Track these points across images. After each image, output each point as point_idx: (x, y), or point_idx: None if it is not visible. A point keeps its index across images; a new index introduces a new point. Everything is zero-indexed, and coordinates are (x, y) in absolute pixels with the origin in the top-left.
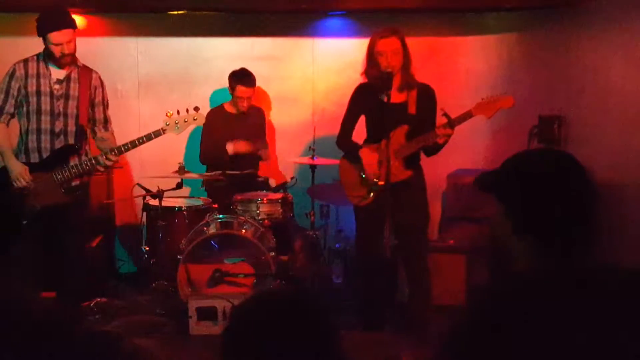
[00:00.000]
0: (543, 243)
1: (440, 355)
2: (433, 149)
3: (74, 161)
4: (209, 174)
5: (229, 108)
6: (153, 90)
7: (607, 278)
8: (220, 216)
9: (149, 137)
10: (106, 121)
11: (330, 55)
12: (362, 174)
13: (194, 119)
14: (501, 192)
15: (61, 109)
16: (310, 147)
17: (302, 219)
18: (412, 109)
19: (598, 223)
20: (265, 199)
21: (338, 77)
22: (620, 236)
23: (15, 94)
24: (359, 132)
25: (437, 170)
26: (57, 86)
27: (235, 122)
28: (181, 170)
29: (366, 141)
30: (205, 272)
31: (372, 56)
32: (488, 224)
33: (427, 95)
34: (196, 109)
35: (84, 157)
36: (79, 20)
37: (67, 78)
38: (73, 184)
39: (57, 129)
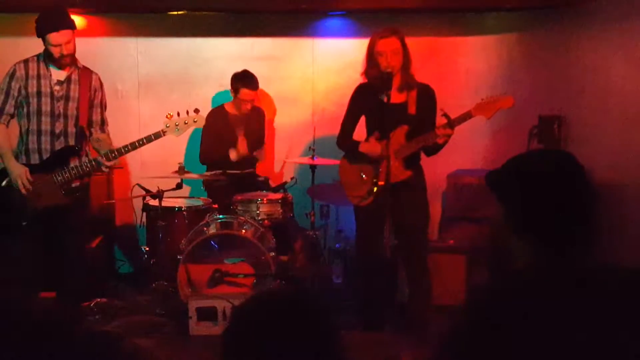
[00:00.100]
0: (543, 243)
1: (440, 355)
2: (433, 149)
3: (74, 162)
4: (208, 173)
5: (230, 108)
6: (153, 90)
7: (607, 278)
8: (220, 216)
9: (148, 139)
10: (103, 123)
11: (330, 55)
12: (362, 174)
13: (194, 121)
14: (502, 192)
15: (61, 110)
16: (310, 147)
17: (302, 219)
18: (412, 109)
19: (598, 223)
20: (265, 199)
21: (338, 77)
22: (620, 236)
23: (16, 94)
24: (359, 133)
25: (437, 170)
26: (57, 87)
27: (236, 123)
28: (181, 170)
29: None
30: (205, 273)
31: (372, 56)
32: (488, 224)
33: (427, 96)
34: (196, 110)
35: (84, 159)
36: (79, 20)
37: (68, 79)
38: (73, 185)
39: (57, 130)
